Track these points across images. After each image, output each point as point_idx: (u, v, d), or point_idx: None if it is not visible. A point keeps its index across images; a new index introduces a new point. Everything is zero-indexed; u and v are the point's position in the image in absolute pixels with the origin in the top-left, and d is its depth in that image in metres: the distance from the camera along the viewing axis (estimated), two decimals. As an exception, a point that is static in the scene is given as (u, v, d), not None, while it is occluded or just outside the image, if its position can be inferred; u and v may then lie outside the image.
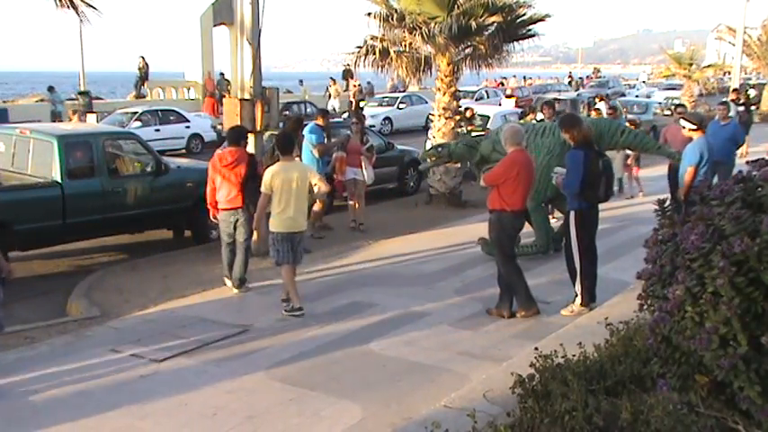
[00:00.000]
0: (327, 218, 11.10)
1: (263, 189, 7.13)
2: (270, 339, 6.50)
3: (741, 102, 19.12)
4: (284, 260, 7.13)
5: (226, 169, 7.67)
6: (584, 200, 6.91)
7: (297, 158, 7.42)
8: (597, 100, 19.08)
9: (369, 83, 32.59)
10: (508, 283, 7.03)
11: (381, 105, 27.04)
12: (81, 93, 24.77)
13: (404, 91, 30.19)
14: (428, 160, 10.16)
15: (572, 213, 6.93)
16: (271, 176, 7.06)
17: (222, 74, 27.59)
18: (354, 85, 31.60)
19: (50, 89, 24.21)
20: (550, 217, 10.47)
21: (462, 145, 9.76)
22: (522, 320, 6.94)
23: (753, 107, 36.41)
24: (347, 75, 33.77)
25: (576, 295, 7.05)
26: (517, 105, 24.20)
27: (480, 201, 12.60)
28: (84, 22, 12.15)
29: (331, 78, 32.12)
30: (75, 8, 11.57)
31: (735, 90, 22.10)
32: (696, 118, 8.99)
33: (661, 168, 16.75)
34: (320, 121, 10.87)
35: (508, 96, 29.10)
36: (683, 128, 8.74)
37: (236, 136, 7.91)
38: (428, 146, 11.66)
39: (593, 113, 14.73)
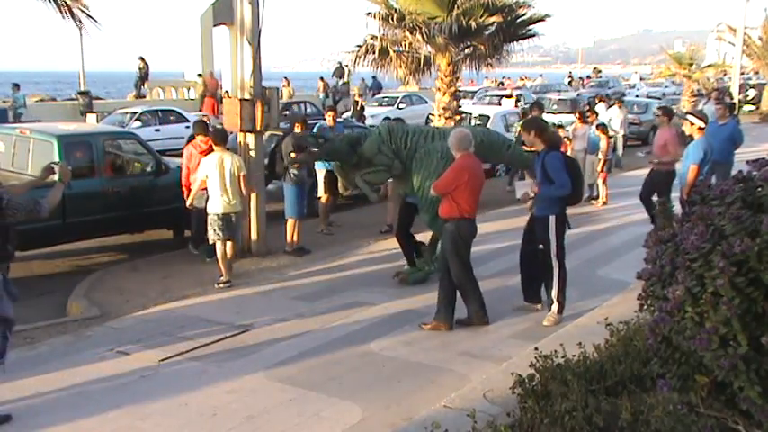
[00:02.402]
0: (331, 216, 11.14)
1: (199, 175, 8.39)
2: (270, 339, 6.50)
3: (729, 102, 18.93)
4: (220, 237, 8.21)
5: (201, 156, 8.82)
6: (564, 202, 6.74)
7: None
8: (597, 101, 18.83)
9: (344, 84, 32.43)
10: (462, 291, 6.80)
11: (381, 105, 27.01)
12: (81, 93, 24.70)
13: (378, 93, 30.01)
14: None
15: (552, 218, 6.69)
16: (206, 164, 8.30)
17: (200, 75, 27.54)
18: (324, 86, 31.54)
19: (15, 87, 22.18)
20: None
21: (345, 143, 8.50)
22: (522, 320, 6.94)
23: (749, 106, 36.43)
24: (338, 72, 33.76)
25: (553, 302, 6.86)
26: (517, 105, 24.11)
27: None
28: (83, 33, 12.18)
29: (285, 78, 31.81)
30: (74, 19, 11.58)
31: (717, 90, 21.79)
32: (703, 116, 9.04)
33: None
34: (330, 121, 11.03)
35: (508, 97, 29.05)
36: (691, 124, 8.74)
37: (204, 128, 9.29)
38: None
39: (592, 117, 14.64)
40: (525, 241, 7.13)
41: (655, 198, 9.55)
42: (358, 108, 25.45)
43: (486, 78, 34.26)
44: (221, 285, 8.05)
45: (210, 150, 8.60)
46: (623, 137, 17.04)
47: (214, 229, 8.20)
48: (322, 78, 33.00)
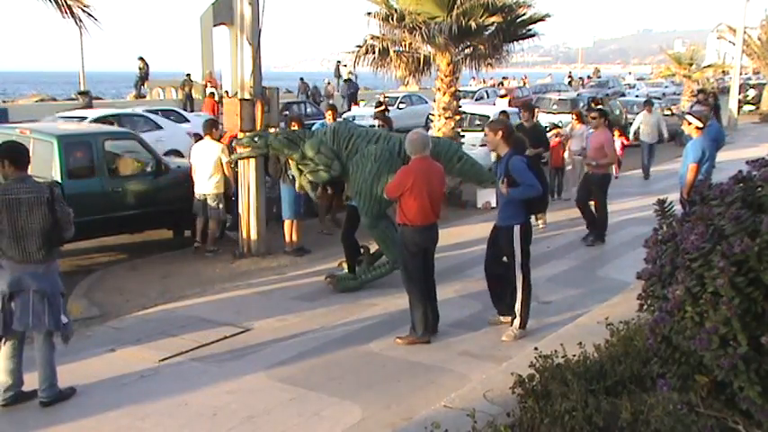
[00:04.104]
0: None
1: (191, 161, 9.63)
2: (270, 339, 6.50)
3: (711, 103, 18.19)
4: (197, 214, 9.56)
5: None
6: (529, 211, 6.51)
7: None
8: (593, 105, 18.40)
9: (315, 86, 32.45)
10: (410, 303, 6.54)
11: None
12: (81, 93, 24.70)
13: (354, 94, 29.99)
14: (241, 150, 8.84)
15: (516, 228, 6.38)
16: (193, 152, 9.63)
17: (189, 74, 27.60)
18: (304, 86, 31.55)
19: None
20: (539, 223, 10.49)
21: (283, 138, 8.44)
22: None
23: (749, 106, 36.22)
24: (336, 72, 33.94)
25: (515, 317, 6.53)
26: (511, 105, 24.05)
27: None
28: (84, 33, 12.12)
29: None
30: (74, 18, 11.55)
31: (701, 91, 21.02)
32: (702, 116, 9.07)
33: (660, 169, 16.79)
34: (329, 119, 11.06)
35: (502, 96, 29.00)
36: (689, 123, 8.77)
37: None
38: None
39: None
40: (489, 254, 6.78)
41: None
42: (378, 110, 25.10)
43: (473, 79, 33.91)
44: (209, 254, 9.45)
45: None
46: (654, 144, 16.29)
47: (197, 207, 9.46)
48: (302, 79, 33.12)
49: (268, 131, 8.93)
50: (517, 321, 6.52)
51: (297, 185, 8.55)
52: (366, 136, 8.14)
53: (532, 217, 7.21)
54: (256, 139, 8.52)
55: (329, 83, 32.69)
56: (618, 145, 13.08)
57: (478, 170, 8.48)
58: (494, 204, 6.41)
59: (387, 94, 28.94)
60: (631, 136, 16.45)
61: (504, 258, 6.55)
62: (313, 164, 8.01)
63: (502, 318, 6.79)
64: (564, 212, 12.01)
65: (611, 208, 12.60)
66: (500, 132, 6.45)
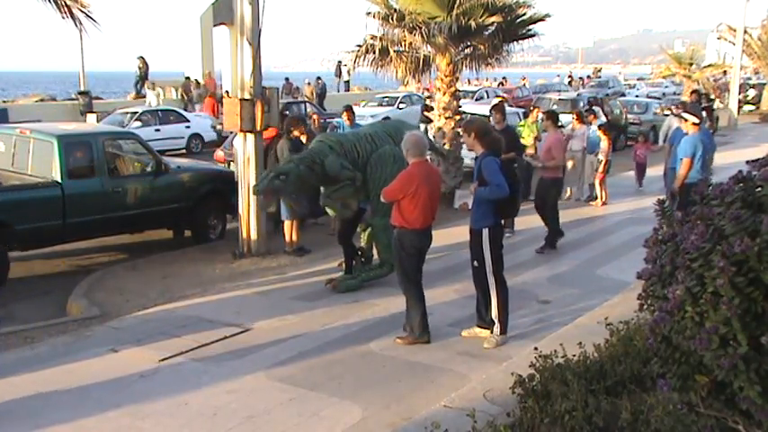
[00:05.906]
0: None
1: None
2: (270, 339, 6.50)
3: (702, 106, 17.67)
4: None
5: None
6: (499, 214, 6.34)
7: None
8: (591, 105, 18.17)
9: (297, 87, 32.72)
10: (406, 301, 6.51)
11: (381, 105, 27.04)
12: (81, 93, 24.71)
13: (322, 95, 30.38)
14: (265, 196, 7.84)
15: (485, 231, 6.23)
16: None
17: (188, 77, 27.63)
18: (290, 87, 31.75)
19: None
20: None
21: (305, 168, 7.56)
22: (522, 321, 6.92)
23: (749, 106, 36.16)
24: (337, 71, 34.03)
25: (494, 323, 6.38)
26: (510, 105, 23.91)
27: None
28: (83, 33, 12.16)
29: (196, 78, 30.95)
30: (74, 19, 11.57)
31: (694, 92, 20.32)
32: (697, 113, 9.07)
33: (658, 168, 16.75)
34: (346, 121, 11.13)
35: (498, 96, 28.95)
36: (686, 120, 8.78)
37: None
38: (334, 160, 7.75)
39: (591, 118, 14.58)
40: (473, 263, 6.53)
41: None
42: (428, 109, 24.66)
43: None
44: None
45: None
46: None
47: None
48: (287, 79, 33.26)
49: (289, 165, 7.76)
50: (497, 328, 6.38)
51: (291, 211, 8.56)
52: (364, 138, 8.08)
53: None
54: (282, 176, 7.50)
55: (309, 83, 32.85)
56: (604, 145, 13.01)
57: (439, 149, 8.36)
58: (470, 206, 6.43)
59: (387, 94, 28.96)
60: (660, 140, 15.27)
61: (475, 263, 6.40)
62: (338, 182, 7.73)
63: (478, 330, 6.57)
64: (562, 213, 11.98)
65: (613, 208, 12.68)
66: (473, 133, 6.35)
